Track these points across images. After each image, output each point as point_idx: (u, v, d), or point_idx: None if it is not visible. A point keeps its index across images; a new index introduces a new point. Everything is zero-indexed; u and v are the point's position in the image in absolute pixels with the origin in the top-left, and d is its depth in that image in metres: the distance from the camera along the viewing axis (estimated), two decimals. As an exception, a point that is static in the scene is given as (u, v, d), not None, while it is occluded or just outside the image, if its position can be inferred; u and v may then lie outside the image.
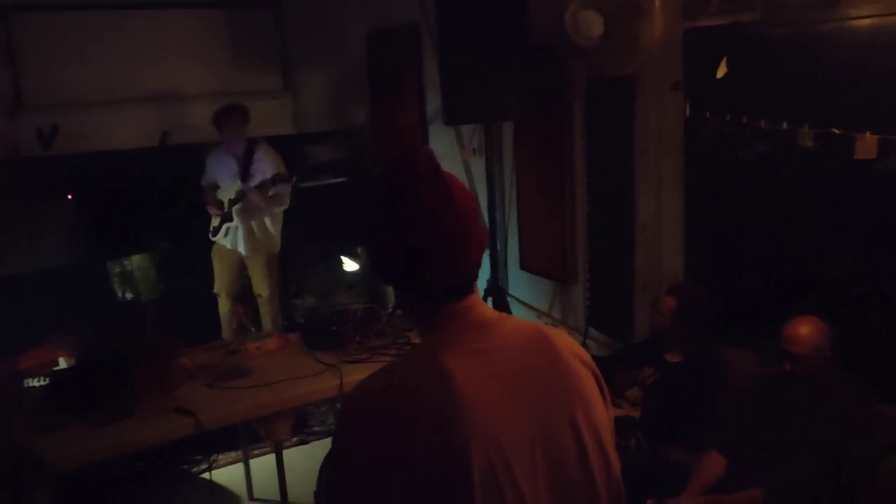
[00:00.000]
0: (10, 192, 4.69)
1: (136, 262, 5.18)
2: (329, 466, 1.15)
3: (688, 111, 3.32)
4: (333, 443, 1.16)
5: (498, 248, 4.47)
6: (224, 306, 5.01)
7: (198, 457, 4.00)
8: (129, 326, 4.82)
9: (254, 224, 4.80)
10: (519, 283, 4.62)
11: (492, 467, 1.08)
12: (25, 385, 3.19)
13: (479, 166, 4.53)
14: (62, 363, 3.75)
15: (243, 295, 5.03)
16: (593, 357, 1.27)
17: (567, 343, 1.23)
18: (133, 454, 3.78)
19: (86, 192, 5.03)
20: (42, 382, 3.10)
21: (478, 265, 1.19)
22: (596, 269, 3.94)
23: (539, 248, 4.34)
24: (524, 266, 4.50)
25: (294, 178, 4.66)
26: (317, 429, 4.30)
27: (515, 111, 3.94)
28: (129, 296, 5.18)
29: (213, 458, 3.94)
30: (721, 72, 3.05)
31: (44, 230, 4.74)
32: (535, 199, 4.30)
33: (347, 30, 5.73)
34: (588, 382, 1.21)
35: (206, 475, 3.87)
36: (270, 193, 4.63)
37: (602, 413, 1.22)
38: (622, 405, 3.27)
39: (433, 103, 4.98)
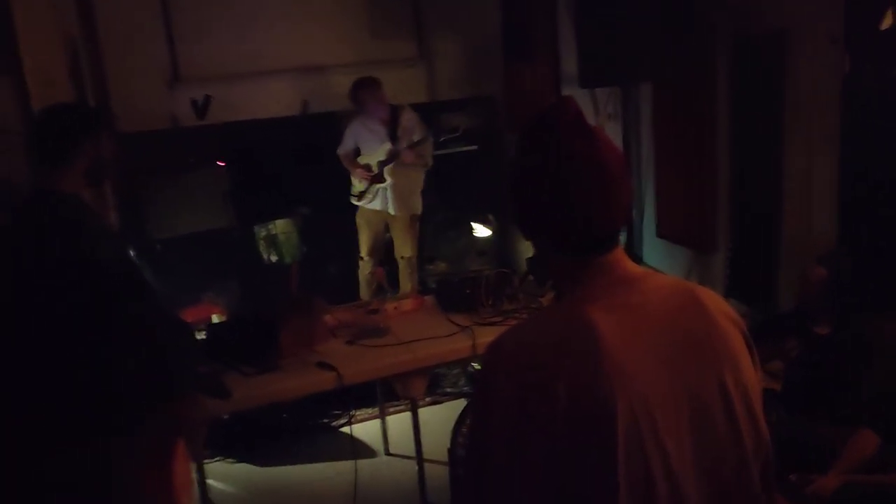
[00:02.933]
0: (169, 160, 5.05)
1: (280, 226, 5.44)
2: (472, 411, 1.17)
3: (847, 66, 3.09)
4: (477, 389, 1.19)
5: (633, 215, 4.37)
6: (366, 269, 5.21)
7: (338, 412, 4.21)
8: (275, 286, 5.10)
9: (404, 182, 5.00)
10: (655, 251, 4.50)
11: (636, 422, 1.08)
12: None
13: (614, 132, 4.43)
14: (214, 319, 4.03)
15: (386, 259, 5.21)
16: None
17: (716, 301, 1.19)
18: (279, 407, 4.07)
19: (235, 159, 5.33)
20: (200, 336, 3.33)
21: (624, 219, 1.17)
22: (738, 236, 3.78)
23: (677, 215, 4.20)
24: (661, 234, 4.38)
25: (459, 130, 4.98)
26: (449, 390, 4.40)
27: (655, 72, 3.81)
28: (273, 258, 5.46)
29: (352, 413, 4.13)
30: (886, 23, 2.82)
31: (198, 196, 5.05)
32: (674, 163, 4.16)
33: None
34: (737, 342, 1.18)
35: (345, 429, 4.06)
36: (420, 152, 4.90)
37: (751, 373, 1.18)
38: (762, 378, 3.13)
39: (567, 68, 4.90)
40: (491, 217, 5.74)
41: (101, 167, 2.77)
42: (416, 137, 4.89)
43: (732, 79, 3.61)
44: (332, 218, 5.26)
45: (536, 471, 1.09)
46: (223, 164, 5.20)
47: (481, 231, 5.79)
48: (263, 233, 5.44)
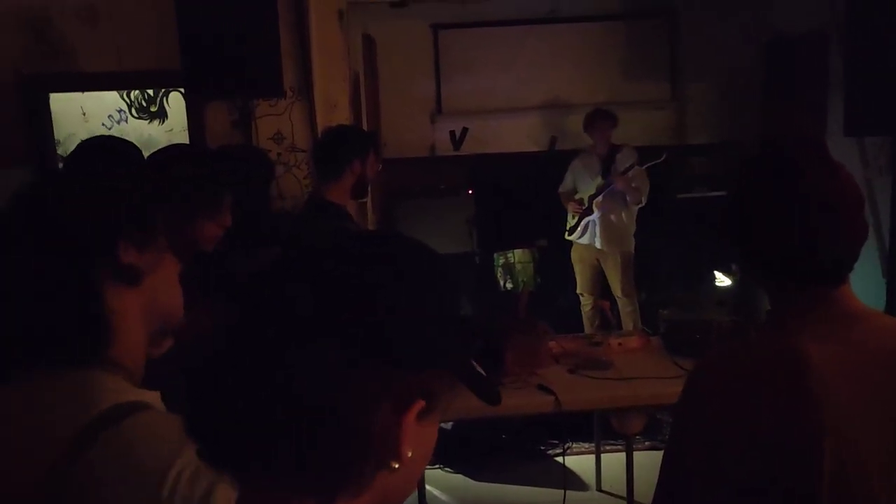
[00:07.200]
0: (425, 185, 5.51)
1: (517, 255, 5.65)
2: (670, 430, 1.20)
3: None
4: (675, 410, 1.22)
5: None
6: (586, 305, 5.25)
7: (554, 441, 4.26)
8: (506, 310, 5.29)
9: (612, 217, 5.02)
10: (921, 320, 4.03)
11: (843, 467, 1.04)
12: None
13: (883, 187, 4.06)
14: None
15: (605, 295, 5.22)
16: None
17: (952, 352, 1.11)
18: (500, 427, 4.22)
19: (483, 188, 5.65)
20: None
21: (852, 255, 1.14)
22: None
23: (952, 283, 3.74)
24: (930, 301, 3.91)
25: (663, 156, 4.93)
26: (668, 438, 4.26)
27: (936, 122, 3.45)
28: (508, 286, 5.67)
29: (567, 445, 4.16)
30: None
31: (446, 220, 5.43)
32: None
33: (744, 39, 5.54)
34: (974, 397, 1.08)
35: (559, 459, 4.10)
36: (633, 184, 4.92)
37: None
38: None
39: (835, 117, 4.58)
40: (734, 266, 5.49)
41: (365, 185, 3.13)
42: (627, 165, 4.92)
43: None
44: (567, 252, 5.37)
45: (730, 501, 1.09)
46: (471, 192, 5.53)
47: (722, 280, 5.56)
48: (502, 260, 5.68)
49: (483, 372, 0.71)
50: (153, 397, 1.01)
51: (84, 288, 1.00)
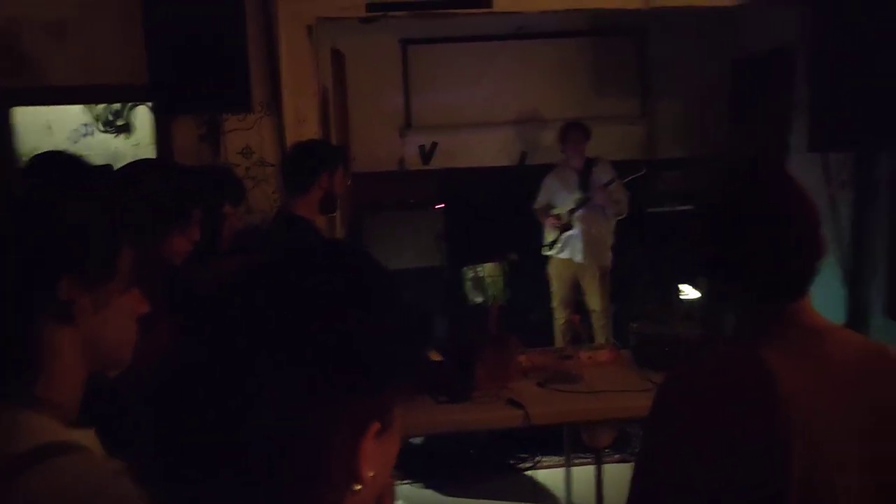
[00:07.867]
0: (394, 200, 5.50)
1: (487, 269, 5.64)
2: (641, 441, 1.22)
3: None
4: (645, 423, 1.23)
5: (862, 291, 4.05)
6: (560, 319, 5.28)
7: (524, 455, 4.26)
8: (476, 324, 5.29)
9: (593, 231, 5.07)
10: (882, 332, 4.11)
11: (812, 476, 1.06)
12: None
13: (845, 201, 4.15)
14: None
15: (578, 309, 5.26)
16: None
17: (910, 366, 1.14)
18: (468, 441, 4.21)
19: (453, 202, 5.66)
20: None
21: (812, 270, 1.16)
22: None
23: (912, 295, 3.83)
24: (892, 314, 4.00)
25: (643, 170, 5.06)
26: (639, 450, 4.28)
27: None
28: (478, 300, 5.66)
29: (537, 458, 4.16)
30: None
31: (415, 234, 5.43)
32: (913, 238, 3.81)
33: (712, 56, 5.63)
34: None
35: (529, 473, 4.10)
36: (614, 198, 4.99)
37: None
38: None
39: (799, 133, 4.67)
40: (700, 280, 5.55)
41: (334, 199, 3.12)
42: (605, 179, 4.97)
43: None
44: (538, 266, 5.39)
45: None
46: (441, 206, 5.54)
47: (689, 293, 5.61)
48: (471, 274, 5.67)
49: (441, 358, 0.73)
50: (84, 436, 0.96)
51: (11, 321, 0.96)
